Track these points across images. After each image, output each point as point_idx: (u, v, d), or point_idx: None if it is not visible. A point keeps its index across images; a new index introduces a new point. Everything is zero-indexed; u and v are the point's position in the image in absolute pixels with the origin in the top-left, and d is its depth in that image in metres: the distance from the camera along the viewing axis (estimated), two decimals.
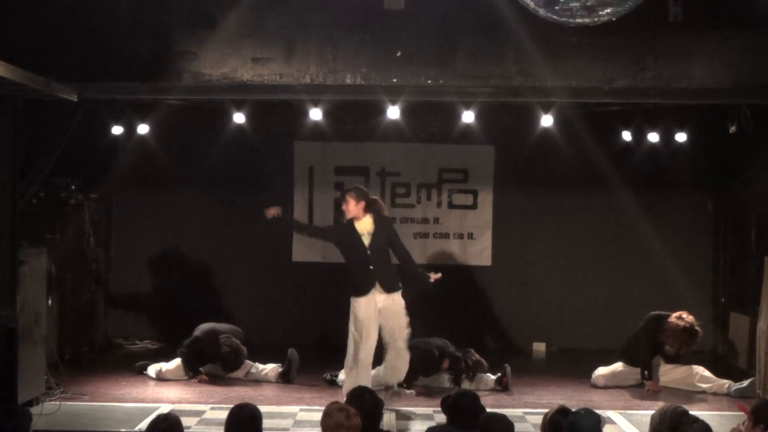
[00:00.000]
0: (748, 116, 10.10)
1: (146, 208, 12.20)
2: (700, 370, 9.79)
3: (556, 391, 9.64)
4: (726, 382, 9.63)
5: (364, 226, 8.99)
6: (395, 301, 8.97)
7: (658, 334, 9.69)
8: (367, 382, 8.56)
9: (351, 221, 9.02)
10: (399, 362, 9.08)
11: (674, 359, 9.88)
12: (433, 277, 9.15)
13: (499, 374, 9.68)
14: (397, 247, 9.14)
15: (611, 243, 12.17)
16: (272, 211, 9.05)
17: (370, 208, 9.01)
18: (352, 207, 8.97)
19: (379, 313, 8.91)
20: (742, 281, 11.36)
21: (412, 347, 9.56)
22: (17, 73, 7.13)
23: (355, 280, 8.96)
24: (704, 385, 9.67)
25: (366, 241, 8.92)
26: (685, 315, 9.63)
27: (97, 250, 11.21)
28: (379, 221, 9.01)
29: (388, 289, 8.93)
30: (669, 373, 9.86)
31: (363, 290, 8.87)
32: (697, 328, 9.59)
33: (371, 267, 8.87)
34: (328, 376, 9.83)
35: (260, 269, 12.15)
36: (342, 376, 9.73)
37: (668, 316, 9.68)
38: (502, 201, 12.14)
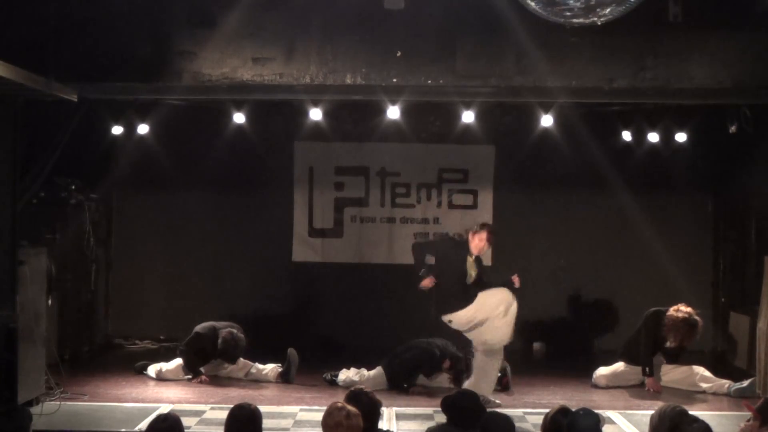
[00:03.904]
0: (748, 116, 10.11)
1: (146, 208, 12.20)
2: (701, 370, 9.79)
3: (556, 391, 9.64)
4: (726, 382, 9.63)
5: (471, 263, 9.04)
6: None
7: (658, 330, 9.69)
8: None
9: (466, 247, 8.98)
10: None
11: (675, 359, 9.88)
12: (516, 280, 9.16)
13: (499, 374, 9.67)
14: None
15: (611, 243, 12.17)
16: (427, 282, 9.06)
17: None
18: (485, 247, 9.01)
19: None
20: (742, 281, 11.36)
21: (413, 346, 9.58)
22: (17, 73, 7.13)
23: (445, 302, 8.96)
24: (704, 385, 9.67)
25: (472, 273, 8.99)
26: (683, 307, 9.64)
27: (97, 250, 11.21)
28: (480, 264, 9.12)
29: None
30: (669, 373, 9.87)
31: (453, 309, 8.91)
32: (696, 317, 9.59)
33: (466, 297, 8.93)
34: (328, 376, 9.83)
35: (260, 269, 12.15)
36: (342, 376, 9.74)
37: (667, 310, 9.69)
38: (502, 201, 12.14)
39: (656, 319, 9.72)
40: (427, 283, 8.97)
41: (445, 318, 8.98)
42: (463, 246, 9.02)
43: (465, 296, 8.92)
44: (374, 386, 9.03)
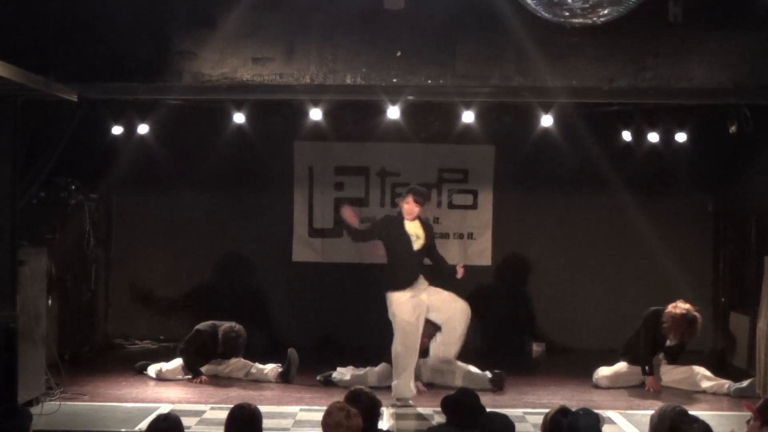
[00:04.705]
0: (748, 116, 10.10)
1: (146, 208, 12.20)
2: (701, 370, 9.80)
3: (556, 391, 9.64)
4: (726, 382, 9.64)
5: (414, 228, 9.08)
6: (440, 290, 9.14)
7: (657, 329, 9.70)
8: (408, 378, 8.87)
9: (400, 218, 9.10)
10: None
11: (675, 359, 9.89)
12: (460, 271, 9.23)
13: (497, 372, 9.65)
14: (434, 248, 9.31)
15: (611, 243, 12.17)
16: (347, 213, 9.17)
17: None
18: (415, 209, 9.03)
19: (431, 307, 9.05)
20: (742, 281, 11.36)
21: None
22: (17, 73, 7.13)
23: (395, 276, 9.02)
24: (704, 385, 9.67)
25: (415, 243, 9.03)
26: (680, 303, 9.66)
27: (97, 250, 11.20)
28: (426, 226, 9.18)
29: (431, 281, 9.15)
30: (669, 373, 9.87)
31: (402, 285, 8.95)
32: (695, 313, 9.60)
33: (414, 268, 9.04)
34: (321, 378, 9.79)
35: (260, 269, 12.15)
36: (337, 375, 9.71)
37: (665, 308, 9.70)
38: (502, 201, 12.14)
39: (655, 318, 9.73)
40: (348, 214, 9.13)
41: (390, 296, 8.96)
42: (397, 220, 9.13)
43: (410, 267, 9.00)
44: (380, 381, 9.12)
